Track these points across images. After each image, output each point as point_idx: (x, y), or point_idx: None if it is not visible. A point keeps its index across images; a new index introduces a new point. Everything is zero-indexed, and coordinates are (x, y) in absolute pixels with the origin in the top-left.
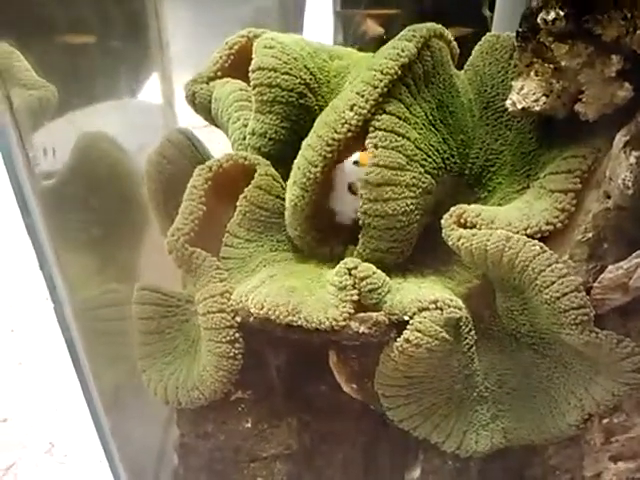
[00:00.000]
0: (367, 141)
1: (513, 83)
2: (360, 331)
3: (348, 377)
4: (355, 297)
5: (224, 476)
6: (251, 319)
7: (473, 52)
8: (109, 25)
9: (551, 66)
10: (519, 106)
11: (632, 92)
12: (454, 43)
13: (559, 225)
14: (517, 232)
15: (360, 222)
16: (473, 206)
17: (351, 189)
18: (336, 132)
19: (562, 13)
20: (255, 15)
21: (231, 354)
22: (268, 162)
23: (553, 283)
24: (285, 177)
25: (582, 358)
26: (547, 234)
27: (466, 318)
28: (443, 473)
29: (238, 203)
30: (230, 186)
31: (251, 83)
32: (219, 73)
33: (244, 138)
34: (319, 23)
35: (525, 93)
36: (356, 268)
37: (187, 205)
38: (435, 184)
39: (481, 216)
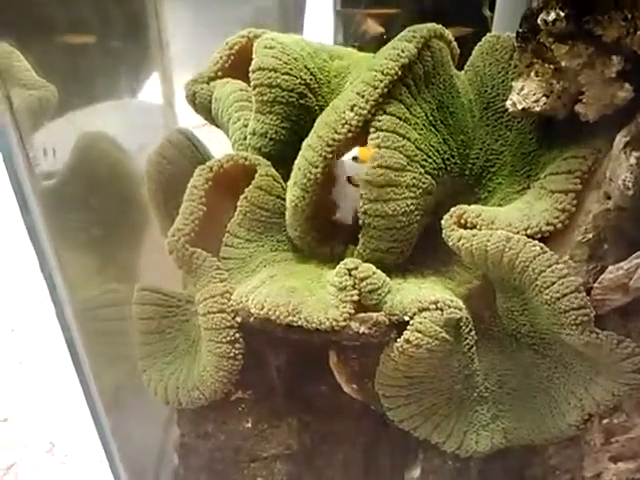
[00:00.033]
0: (369, 142)
1: (513, 84)
2: (360, 331)
3: (348, 377)
4: (355, 297)
5: (224, 476)
6: (251, 319)
7: (473, 52)
8: (109, 25)
9: (551, 67)
10: (519, 107)
11: (632, 93)
12: (454, 43)
13: (559, 226)
14: (517, 232)
15: (360, 222)
16: (473, 207)
17: (350, 181)
18: (336, 132)
19: (562, 14)
20: (255, 15)
21: (231, 354)
22: (268, 162)
23: (553, 284)
24: (285, 177)
25: (582, 358)
26: (547, 235)
27: (466, 318)
28: (443, 473)
29: (238, 203)
30: (230, 186)
31: (251, 83)
32: (219, 73)
33: (244, 138)
34: (319, 22)
35: (525, 94)
36: (356, 269)
37: (187, 205)
38: (435, 184)
39: (481, 217)
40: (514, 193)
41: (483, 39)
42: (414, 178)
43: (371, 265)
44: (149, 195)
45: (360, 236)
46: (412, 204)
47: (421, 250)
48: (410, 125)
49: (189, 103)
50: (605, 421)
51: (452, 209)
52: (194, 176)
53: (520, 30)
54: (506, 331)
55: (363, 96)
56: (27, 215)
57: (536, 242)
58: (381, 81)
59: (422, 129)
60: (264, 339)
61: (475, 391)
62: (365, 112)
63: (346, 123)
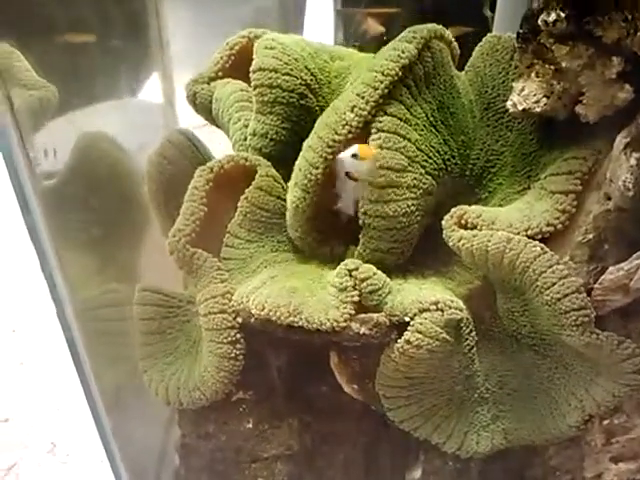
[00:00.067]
0: (370, 143)
1: (514, 84)
2: (361, 332)
3: (349, 378)
4: (356, 298)
5: (225, 476)
6: (252, 320)
7: (474, 53)
8: (109, 24)
9: (552, 67)
10: (520, 107)
11: (632, 94)
12: (455, 44)
13: (560, 226)
14: (518, 233)
15: (360, 222)
16: (474, 207)
17: (349, 176)
18: (337, 133)
19: (563, 15)
20: (255, 15)
21: (232, 355)
22: (269, 163)
23: (554, 284)
24: (286, 178)
25: (583, 359)
26: (548, 235)
27: (467, 319)
28: (444, 474)
29: (239, 204)
30: (231, 187)
31: (252, 84)
32: (220, 73)
33: (245, 139)
34: (320, 22)
35: (526, 94)
36: (357, 269)
37: (188, 206)
38: (436, 185)
39: (482, 217)
40: (514, 194)
41: (484, 39)
42: (415, 179)
43: (371, 266)
44: (150, 195)
45: (360, 236)
46: (413, 205)
47: (422, 251)
48: (411, 126)
49: (190, 103)
50: (606, 422)
51: (453, 210)
52: (195, 177)
53: (521, 31)
54: (507, 332)
55: (363, 97)
56: (28, 215)
57: (537, 243)
58: (381, 82)
59: (423, 130)
60: (265, 340)
61: (476, 392)
62: (365, 113)
63: (346, 124)
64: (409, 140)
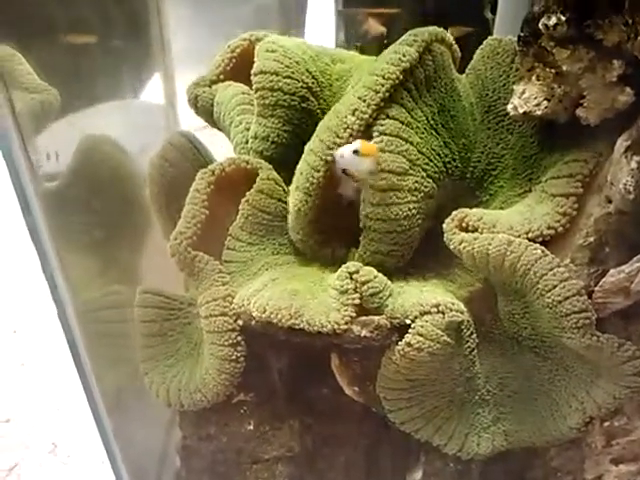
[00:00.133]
0: None
1: (515, 87)
2: (362, 334)
3: (350, 380)
4: (357, 301)
5: (226, 478)
6: (253, 322)
7: (475, 56)
8: (111, 25)
9: (552, 71)
10: (520, 110)
11: (633, 97)
12: (455, 47)
13: (560, 229)
14: (519, 236)
15: (361, 225)
16: (475, 210)
17: (346, 174)
18: (338, 137)
19: (563, 18)
20: (256, 14)
21: (233, 357)
22: (270, 166)
23: (555, 287)
24: (287, 181)
25: (583, 361)
26: (548, 238)
27: (468, 322)
28: (445, 475)
29: (240, 207)
30: (232, 190)
31: (253, 87)
32: (221, 76)
33: (246, 142)
34: (321, 22)
35: (527, 97)
36: (357, 272)
37: (190, 209)
38: (437, 188)
39: (483, 220)
40: (515, 196)
41: (484, 42)
42: (416, 182)
43: (372, 268)
44: (151, 198)
45: (361, 239)
46: (414, 208)
47: (422, 253)
48: (412, 129)
49: (191, 106)
50: (606, 424)
51: (453, 212)
52: (196, 180)
53: (521, 34)
54: (507, 334)
55: (364, 100)
56: (29, 217)
57: (537, 245)
58: (382, 85)
59: (423, 133)
60: (266, 342)
61: (476, 394)
62: (367, 116)
63: (348, 127)
64: (410, 143)
